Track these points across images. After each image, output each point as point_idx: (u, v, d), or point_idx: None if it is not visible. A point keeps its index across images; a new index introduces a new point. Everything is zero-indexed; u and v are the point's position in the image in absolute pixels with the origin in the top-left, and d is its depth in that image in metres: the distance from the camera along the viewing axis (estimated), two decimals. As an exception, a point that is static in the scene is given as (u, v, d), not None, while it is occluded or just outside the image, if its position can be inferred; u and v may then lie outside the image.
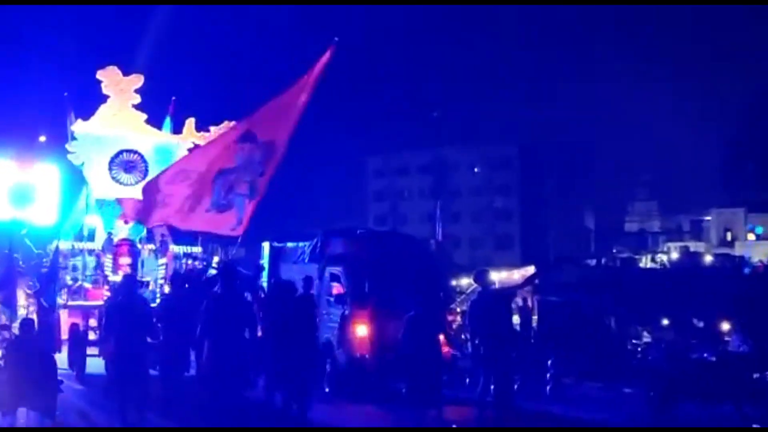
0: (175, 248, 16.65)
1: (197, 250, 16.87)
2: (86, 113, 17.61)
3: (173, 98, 18.65)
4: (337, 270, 14.29)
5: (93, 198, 17.69)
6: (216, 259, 16.84)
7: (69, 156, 17.60)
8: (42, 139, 21.46)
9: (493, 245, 26.53)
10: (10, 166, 19.91)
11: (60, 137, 18.78)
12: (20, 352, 10.73)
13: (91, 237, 18.16)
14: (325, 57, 12.33)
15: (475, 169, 26.45)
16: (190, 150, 15.73)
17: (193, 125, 17.81)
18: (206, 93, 18.91)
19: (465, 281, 17.87)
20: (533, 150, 40.65)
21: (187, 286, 12.47)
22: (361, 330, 13.18)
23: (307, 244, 15.82)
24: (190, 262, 16.34)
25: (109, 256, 15.90)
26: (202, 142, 17.28)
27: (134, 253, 16.39)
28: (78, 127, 17.43)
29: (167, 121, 18.62)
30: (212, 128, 18.03)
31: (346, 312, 13.60)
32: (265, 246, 16.85)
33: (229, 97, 19.71)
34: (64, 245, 16.75)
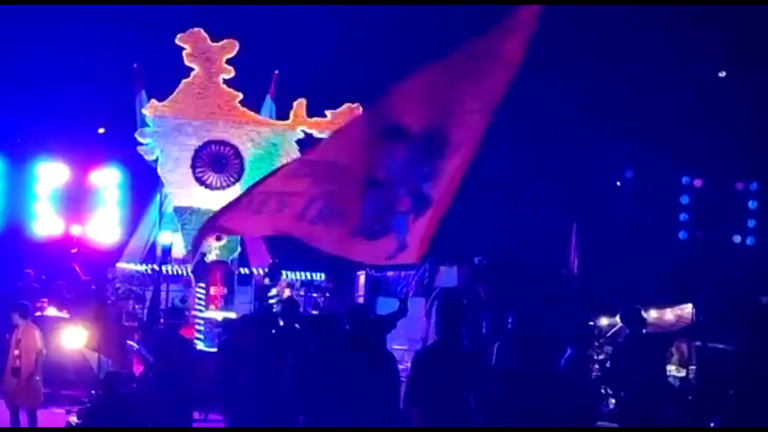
0: (290, 275, 15.16)
1: (318, 276, 15.46)
2: (162, 92, 16.18)
3: (276, 72, 16.94)
4: None
5: (170, 206, 16.34)
6: None
7: (139, 149, 16.25)
8: (101, 131, 19.68)
9: (638, 276, 22.94)
10: (61, 170, 18.59)
11: (125, 127, 17.33)
12: (102, 421, 9.49)
13: (166, 259, 16.56)
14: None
15: (617, 183, 23.15)
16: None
17: (303, 108, 16.20)
18: (318, 65, 17.04)
19: (605, 321, 16.53)
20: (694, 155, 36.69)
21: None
22: None
23: (412, 273, 15.27)
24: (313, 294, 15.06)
25: (202, 285, 14.17)
26: (316, 131, 16.07)
27: (230, 281, 14.81)
28: (151, 110, 15.99)
29: (268, 101, 17.11)
30: (328, 113, 16.53)
31: None
32: (361, 276, 16.17)
33: (349, 70, 18.09)
34: (129, 269, 15.56)
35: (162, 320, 12.29)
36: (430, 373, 7.28)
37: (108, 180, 18.84)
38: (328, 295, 15.24)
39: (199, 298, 14.06)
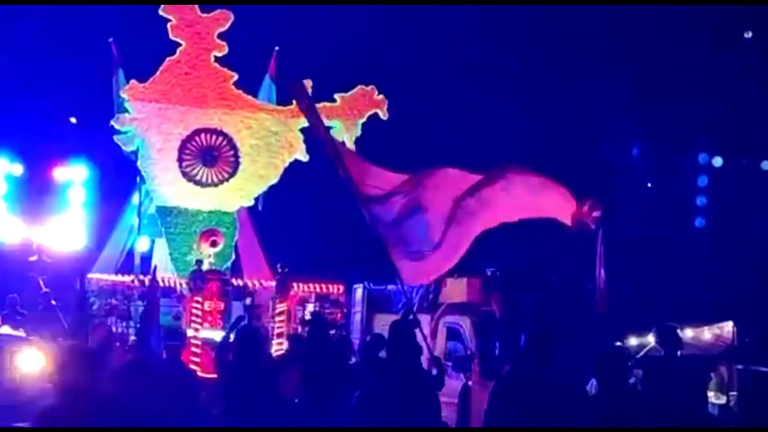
0: (302, 287, 14.24)
1: (335, 288, 14.73)
2: (144, 71, 15.81)
3: (276, 48, 16.71)
4: (457, 323, 14.14)
5: (152, 206, 15.82)
6: None
7: (116, 139, 15.55)
8: (72, 120, 19.61)
9: (671, 291, 22.97)
10: (17, 169, 18.28)
11: (96, 115, 17.13)
12: None
13: (146, 268, 16.06)
14: None
15: (648, 185, 23.02)
16: None
17: (309, 91, 14.88)
18: (325, 41, 17.03)
19: (634, 341, 16.20)
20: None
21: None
22: None
23: (415, 287, 14.85)
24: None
25: (199, 299, 13.23)
26: (323, 118, 14.94)
27: (227, 294, 13.79)
28: (131, 92, 15.45)
29: (267, 83, 16.96)
30: (338, 96, 15.97)
31: (470, 382, 13.31)
32: (358, 290, 16.19)
33: (361, 46, 18.19)
34: (110, 280, 14.75)
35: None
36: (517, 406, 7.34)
37: (73, 177, 18.12)
38: (345, 311, 14.66)
39: (196, 315, 13.07)
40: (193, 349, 12.70)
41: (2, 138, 18.48)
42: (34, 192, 18.37)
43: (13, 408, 12.86)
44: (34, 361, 14.19)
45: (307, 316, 13.92)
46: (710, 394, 15.06)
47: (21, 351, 14.63)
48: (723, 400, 15.78)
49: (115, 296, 14.01)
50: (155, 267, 13.68)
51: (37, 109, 18.24)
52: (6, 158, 18.03)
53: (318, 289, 14.41)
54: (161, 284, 13.49)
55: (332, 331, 13.58)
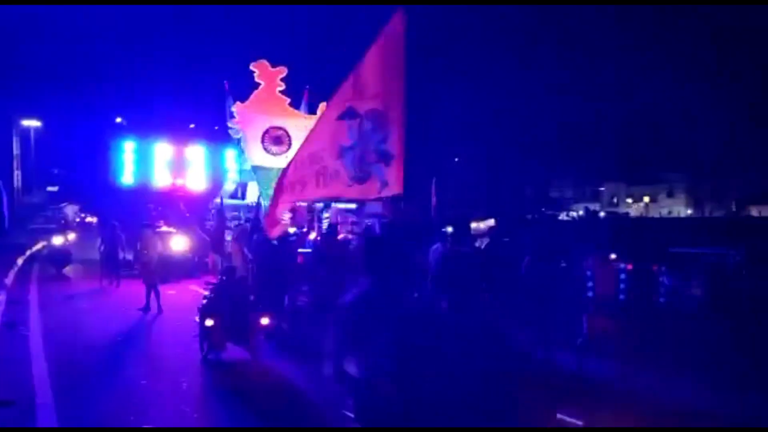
0: (338, 205, 20.85)
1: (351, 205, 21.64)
2: (242, 97, 23.41)
3: (307, 87, 24.58)
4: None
5: (248, 164, 23.44)
6: None
7: (230, 131, 23.74)
8: (191, 126, 29.81)
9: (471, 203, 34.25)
10: (168, 147, 27.81)
11: (207, 124, 27.11)
12: (225, 296, 12.34)
13: (243, 195, 25.17)
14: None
15: (455, 159, 25.44)
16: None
17: (325, 108, 19.12)
18: (334, 80, 18.67)
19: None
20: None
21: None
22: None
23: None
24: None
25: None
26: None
27: (293, 213, 16.28)
28: (237, 107, 23.15)
29: (303, 105, 24.32)
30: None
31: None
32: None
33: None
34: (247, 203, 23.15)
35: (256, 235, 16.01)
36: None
37: (197, 152, 27.97)
38: (354, 225, 22.18)
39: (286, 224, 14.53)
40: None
41: (163, 131, 27.41)
42: (177, 159, 27.41)
43: (167, 269, 19.69)
44: (179, 243, 22.92)
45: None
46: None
47: (171, 237, 23.55)
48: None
49: (239, 212, 21.88)
50: (260, 195, 19.80)
51: (179, 117, 28.29)
52: (163, 144, 27.15)
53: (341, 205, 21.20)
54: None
55: (368, 222, 19.71)
